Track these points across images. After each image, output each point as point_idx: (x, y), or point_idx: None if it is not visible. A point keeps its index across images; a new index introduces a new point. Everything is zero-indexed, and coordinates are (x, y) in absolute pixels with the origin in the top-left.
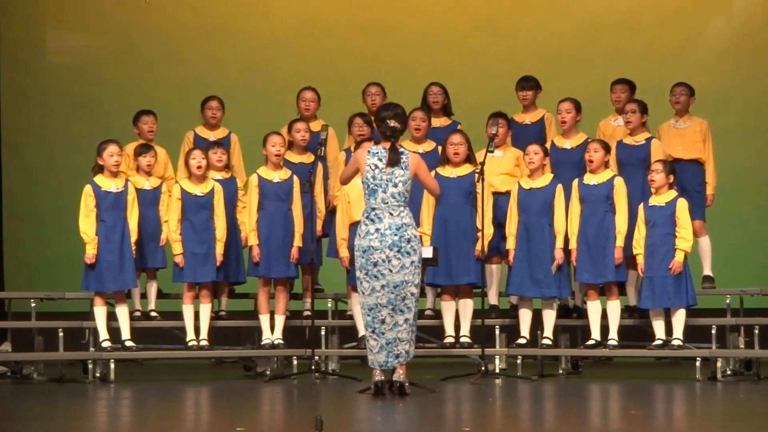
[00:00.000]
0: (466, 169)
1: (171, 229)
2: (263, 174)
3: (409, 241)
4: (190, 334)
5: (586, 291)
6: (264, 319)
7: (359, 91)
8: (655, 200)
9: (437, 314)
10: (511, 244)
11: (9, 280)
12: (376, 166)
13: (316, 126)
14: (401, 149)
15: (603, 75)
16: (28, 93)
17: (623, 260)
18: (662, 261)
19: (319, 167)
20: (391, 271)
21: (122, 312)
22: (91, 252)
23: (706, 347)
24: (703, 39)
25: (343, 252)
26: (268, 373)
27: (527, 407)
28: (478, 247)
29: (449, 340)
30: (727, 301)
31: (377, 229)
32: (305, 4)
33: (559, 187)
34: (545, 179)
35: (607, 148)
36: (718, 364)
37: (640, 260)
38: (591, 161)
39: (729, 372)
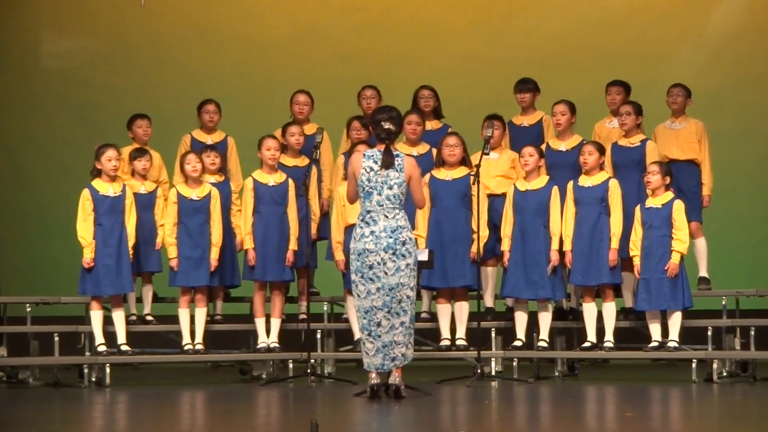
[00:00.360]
0: (461, 172)
1: (166, 233)
2: (258, 177)
3: (404, 243)
4: (186, 338)
5: (581, 293)
6: (260, 323)
7: (355, 94)
8: (651, 202)
9: (433, 317)
10: (505, 245)
11: (4, 285)
12: (371, 169)
13: (309, 129)
14: (396, 152)
15: (598, 77)
16: (22, 97)
17: (618, 262)
18: (658, 263)
19: (314, 170)
20: (386, 273)
21: (118, 316)
22: (88, 256)
23: (702, 349)
24: (697, 40)
25: (339, 255)
26: (263, 376)
27: (523, 410)
28: (474, 249)
29: (445, 342)
30: (723, 303)
31: (372, 232)
32: (300, 8)
33: (555, 189)
34: (541, 181)
35: (601, 150)
36: (714, 366)
37: (637, 262)
38: (585, 163)
39: (725, 373)
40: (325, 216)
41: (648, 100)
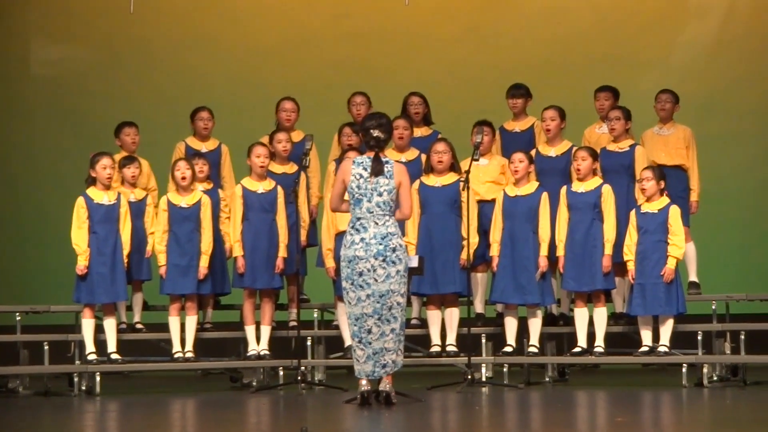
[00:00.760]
0: (450, 178)
1: (156, 241)
2: (247, 185)
3: (394, 250)
4: (176, 346)
5: (572, 298)
6: (250, 330)
7: (344, 101)
8: (647, 207)
9: (423, 323)
10: (495, 251)
11: None
12: (361, 176)
13: (296, 136)
14: (385, 159)
15: (587, 82)
16: (12, 104)
17: (611, 268)
18: (654, 268)
19: (303, 177)
20: (376, 280)
21: (110, 324)
22: (82, 264)
23: (692, 353)
24: (685, 46)
25: (329, 262)
26: (254, 384)
27: (514, 415)
28: (464, 255)
29: (435, 349)
30: (713, 307)
31: (362, 239)
32: (290, 15)
33: (545, 195)
34: (530, 187)
35: (594, 156)
36: (705, 370)
37: (631, 267)
38: (579, 169)
39: (715, 378)
40: (314, 223)
41: (636, 106)
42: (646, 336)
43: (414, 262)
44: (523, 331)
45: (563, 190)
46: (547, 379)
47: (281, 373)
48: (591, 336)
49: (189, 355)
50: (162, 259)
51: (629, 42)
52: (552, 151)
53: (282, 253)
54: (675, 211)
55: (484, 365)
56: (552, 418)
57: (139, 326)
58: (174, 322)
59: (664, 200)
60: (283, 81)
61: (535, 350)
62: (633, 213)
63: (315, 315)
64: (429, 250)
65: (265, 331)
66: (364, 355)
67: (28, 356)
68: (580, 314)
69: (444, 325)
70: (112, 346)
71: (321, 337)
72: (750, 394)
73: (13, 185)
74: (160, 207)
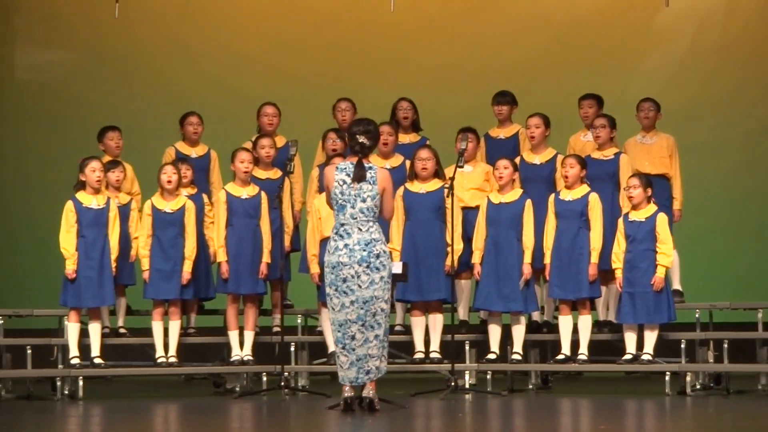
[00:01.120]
0: (435, 185)
1: (140, 245)
2: (231, 190)
3: (378, 256)
4: (159, 351)
5: (556, 306)
6: (233, 336)
7: (329, 107)
8: (635, 215)
9: (407, 330)
10: (477, 258)
11: None
12: (344, 182)
13: (279, 141)
14: (369, 165)
15: (571, 90)
16: None
17: (597, 276)
18: (643, 276)
19: (287, 182)
20: (360, 286)
21: (95, 328)
22: (70, 267)
23: (675, 362)
24: (670, 54)
25: (314, 268)
26: (237, 389)
27: (497, 423)
28: (448, 262)
29: (419, 355)
30: (697, 316)
31: (346, 245)
32: (274, 20)
33: (528, 203)
34: (515, 194)
35: (582, 164)
36: (688, 379)
37: (619, 274)
38: (567, 176)
39: (698, 386)
40: (298, 228)
41: (620, 114)
42: (631, 344)
43: (398, 269)
44: (506, 339)
45: (551, 198)
46: (531, 386)
47: (264, 378)
48: (575, 344)
49: (172, 359)
50: (145, 264)
51: (614, 50)
52: (536, 159)
53: (266, 258)
54: (663, 219)
55: (467, 372)
56: (535, 426)
57: (122, 331)
58: (157, 327)
59: (652, 208)
60: (267, 87)
61: (519, 357)
62: (621, 221)
63: (299, 321)
64: (413, 257)
65: (249, 336)
66: (348, 361)
67: (11, 360)
68: (565, 322)
69: (428, 331)
70: (96, 350)
71: (304, 343)
72: (733, 403)
73: None
74: (144, 211)
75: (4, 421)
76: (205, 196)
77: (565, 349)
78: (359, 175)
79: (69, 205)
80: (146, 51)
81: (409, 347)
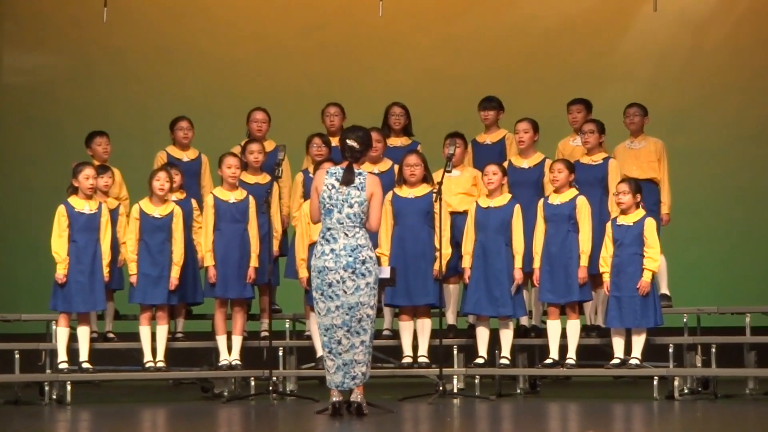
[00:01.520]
0: (423, 190)
1: (128, 250)
2: (219, 195)
3: (363, 262)
4: (147, 356)
5: (544, 310)
6: (221, 340)
7: (318, 112)
8: (623, 219)
9: (395, 334)
10: (467, 262)
11: None
12: (333, 186)
13: (268, 146)
14: (359, 170)
15: (560, 95)
16: None
17: (587, 279)
18: (630, 281)
19: (275, 187)
20: (345, 292)
21: (83, 333)
22: (61, 272)
23: (663, 366)
24: (658, 60)
25: (303, 272)
26: (225, 394)
27: (485, 427)
28: (436, 267)
29: (407, 360)
30: (684, 320)
31: (332, 250)
32: (263, 25)
33: (517, 208)
34: (503, 199)
35: (571, 168)
36: (676, 383)
37: (606, 278)
38: (556, 181)
39: (686, 390)
40: (286, 233)
41: (609, 119)
42: (618, 348)
43: (386, 273)
44: (494, 343)
45: (540, 202)
46: (519, 390)
47: (252, 383)
48: (563, 348)
49: (160, 364)
50: (133, 268)
51: (601, 55)
52: (525, 163)
53: (253, 262)
54: (651, 224)
55: (455, 376)
56: (523, 430)
57: (110, 335)
58: (145, 332)
59: (640, 213)
60: (257, 92)
61: (507, 362)
62: (609, 225)
63: (287, 325)
64: (402, 262)
65: (237, 341)
66: (334, 365)
67: None
68: (553, 326)
69: (416, 336)
70: (84, 355)
71: (293, 348)
72: (721, 407)
73: None
74: (132, 215)
75: None
76: (194, 201)
77: (554, 353)
78: (347, 179)
79: (61, 209)
80: (134, 55)
81: (397, 352)
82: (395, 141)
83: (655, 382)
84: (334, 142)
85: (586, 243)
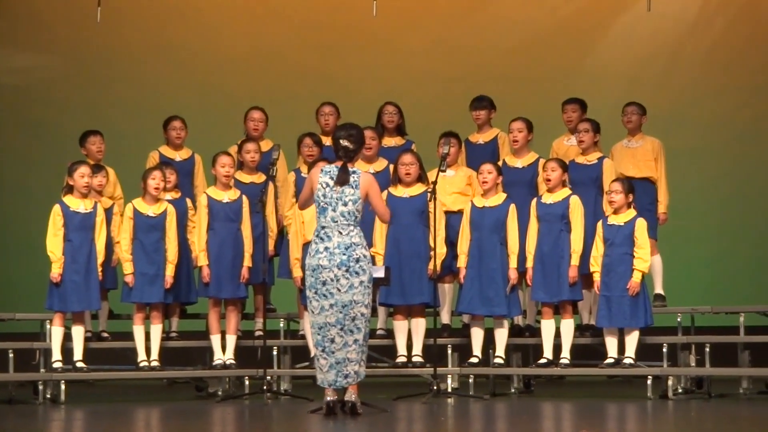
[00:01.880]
0: (418, 189)
1: (123, 249)
2: (212, 194)
3: (357, 260)
4: (141, 355)
5: (538, 310)
6: (215, 340)
7: (312, 111)
8: (614, 219)
9: (389, 333)
10: (462, 262)
11: None
12: (327, 185)
13: (265, 146)
14: (353, 169)
15: (555, 94)
16: None
17: (578, 278)
18: (620, 281)
19: (270, 187)
20: (339, 290)
21: (78, 332)
22: (56, 271)
23: (657, 365)
24: (652, 59)
25: (297, 272)
26: (219, 393)
27: (479, 426)
28: (431, 266)
29: (401, 359)
30: (678, 320)
31: (326, 248)
32: (257, 25)
33: (512, 207)
34: (498, 198)
35: (564, 167)
36: (670, 382)
37: (597, 278)
38: (548, 180)
39: (680, 390)
40: (280, 233)
41: (604, 119)
42: (612, 348)
43: (380, 273)
44: (488, 342)
45: (533, 202)
46: (513, 390)
47: (247, 382)
48: (557, 347)
49: (154, 363)
50: (128, 268)
51: (598, 54)
52: (519, 163)
53: (247, 262)
54: (641, 224)
55: (449, 376)
56: (517, 430)
57: (104, 335)
58: (139, 331)
59: (631, 213)
60: (251, 91)
61: (501, 361)
62: (599, 224)
63: (281, 324)
64: (397, 261)
65: (231, 340)
66: (327, 364)
67: None
68: (547, 326)
69: (410, 335)
70: (78, 354)
71: (287, 347)
72: (715, 407)
73: None
74: (126, 215)
75: None
76: (188, 201)
77: (548, 353)
78: (342, 179)
79: (56, 209)
80: (128, 55)
81: (391, 351)
82: (389, 141)
83: (649, 382)
84: (328, 141)
85: (578, 242)
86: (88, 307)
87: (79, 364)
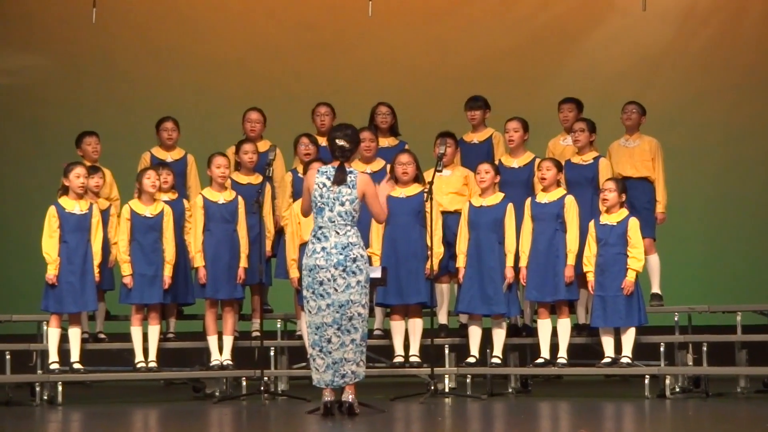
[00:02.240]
0: (414, 189)
1: (120, 250)
2: (208, 195)
3: (354, 260)
4: (139, 356)
5: (536, 309)
6: (212, 340)
7: (308, 111)
8: (606, 219)
9: (386, 334)
10: (461, 262)
11: None
12: (324, 185)
13: (262, 146)
14: (350, 169)
15: (550, 94)
16: None
17: (574, 278)
18: (614, 280)
19: (267, 187)
20: (336, 290)
21: (74, 334)
22: (52, 273)
23: (654, 365)
24: (649, 58)
25: (293, 272)
26: (217, 394)
27: (477, 426)
28: (428, 266)
29: (399, 359)
30: (676, 319)
31: (323, 248)
32: (253, 25)
33: (510, 207)
34: (496, 198)
35: (559, 167)
36: (667, 382)
37: (591, 278)
38: (543, 179)
39: (678, 389)
40: (279, 233)
41: (600, 118)
42: (609, 347)
43: (377, 273)
44: (486, 342)
45: (528, 201)
46: (510, 390)
47: (244, 383)
48: (554, 347)
49: (152, 365)
50: (126, 269)
51: (594, 53)
52: (515, 163)
53: (243, 263)
54: (634, 224)
55: (447, 376)
56: (515, 430)
57: (101, 336)
58: (136, 332)
59: (624, 212)
60: (247, 91)
61: (498, 361)
62: (592, 224)
63: (278, 325)
64: (394, 261)
65: (228, 341)
66: (324, 364)
67: None
68: (543, 325)
69: (407, 335)
70: (75, 355)
71: (284, 348)
72: (712, 406)
73: None
74: (123, 216)
75: None
76: (185, 201)
77: (545, 352)
78: (340, 179)
79: (52, 210)
80: (124, 55)
81: (388, 351)
82: (382, 141)
83: (646, 381)
84: (324, 141)
85: (574, 242)
86: (84, 309)
87: (76, 366)
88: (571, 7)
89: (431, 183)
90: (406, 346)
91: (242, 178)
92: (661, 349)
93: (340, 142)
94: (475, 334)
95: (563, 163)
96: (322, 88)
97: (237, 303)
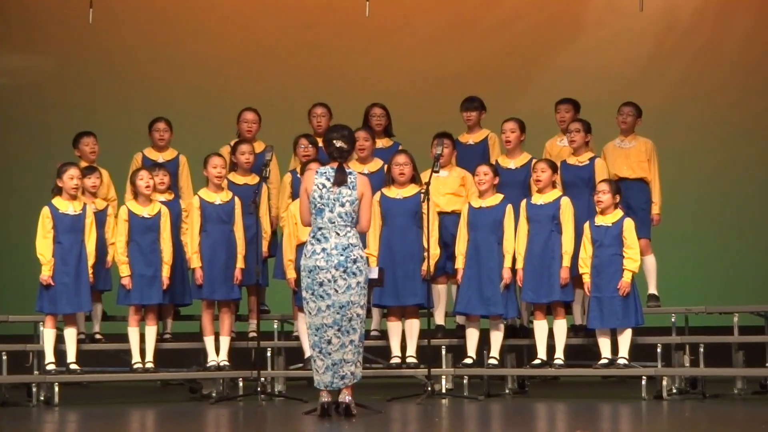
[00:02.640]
0: (411, 190)
1: (118, 251)
2: (204, 196)
3: (355, 261)
4: (136, 357)
5: (532, 310)
6: (209, 341)
7: (305, 112)
8: (601, 220)
9: (383, 335)
10: (459, 263)
11: None
12: (324, 186)
13: (259, 147)
14: (349, 170)
15: (547, 95)
16: None
17: (569, 280)
18: (610, 281)
19: (264, 188)
20: (336, 291)
21: (70, 334)
22: (46, 274)
23: (651, 366)
24: (644, 58)
25: (290, 273)
26: (213, 395)
27: (474, 427)
28: (425, 267)
29: (395, 360)
30: (672, 320)
31: (323, 249)
32: (250, 25)
33: (509, 207)
34: (495, 199)
35: (554, 168)
36: (664, 383)
37: (586, 279)
38: (539, 181)
39: (674, 390)
40: (274, 234)
41: (596, 119)
42: (605, 348)
43: (374, 274)
44: (483, 343)
45: (523, 203)
46: (507, 391)
47: (241, 384)
48: (551, 348)
49: (149, 365)
50: (125, 270)
51: (590, 54)
52: (511, 163)
53: (240, 264)
54: (629, 224)
55: (444, 377)
56: (512, 431)
57: (98, 336)
58: (133, 333)
59: (618, 213)
60: (244, 91)
61: (495, 362)
62: (587, 226)
63: (275, 326)
64: (390, 262)
65: (224, 342)
66: (324, 365)
67: None
68: (540, 326)
69: (404, 336)
70: (71, 356)
71: (281, 348)
72: (709, 407)
73: None
74: (120, 217)
75: None
76: (182, 202)
77: (541, 353)
78: (340, 180)
79: (45, 211)
80: (121, 56)
81: (385, 352)
82: (377, 142)
83: (643, 382)
84: (321, 142)
85: (569, 243)
86: (79, 309)
87: (73, 366)
88: (568, 8)
89: (428, 184)
90: (403, 347)
91: (238, 179)
92: (658, 350)
93: (339, 144)
94: (472, 335)
95: (559, 164)
96: (318, 88)
97: (234, 304)
